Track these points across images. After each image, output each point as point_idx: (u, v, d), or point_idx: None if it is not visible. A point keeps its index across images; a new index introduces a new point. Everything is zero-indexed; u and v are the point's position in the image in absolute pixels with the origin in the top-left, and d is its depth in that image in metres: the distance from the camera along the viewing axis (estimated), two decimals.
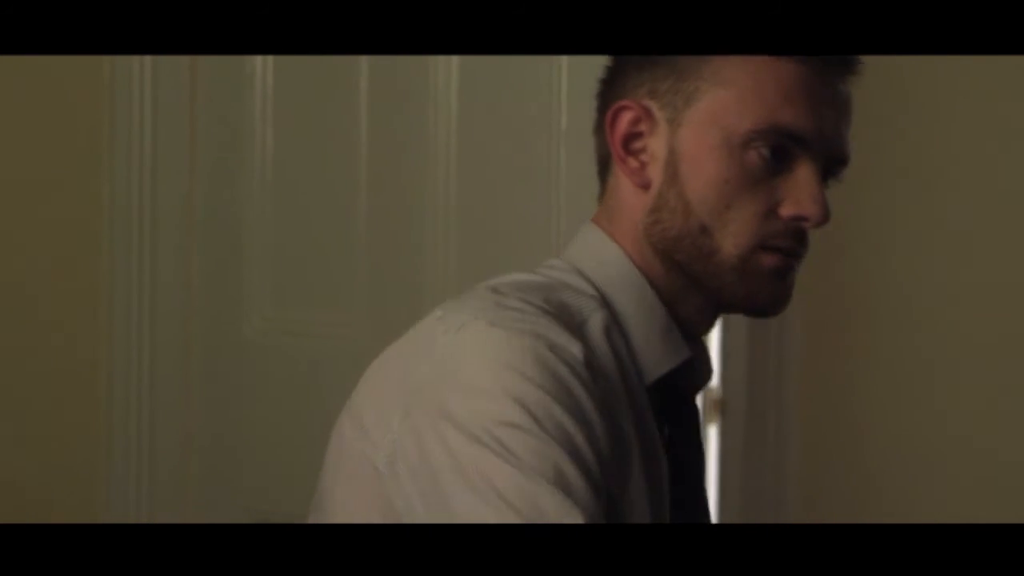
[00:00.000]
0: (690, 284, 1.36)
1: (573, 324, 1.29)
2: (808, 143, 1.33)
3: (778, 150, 1.32)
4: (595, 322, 1.32)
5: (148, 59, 2.61)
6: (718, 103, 1.33)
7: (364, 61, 2.52)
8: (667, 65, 1.35)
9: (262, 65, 2.62)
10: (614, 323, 1.34)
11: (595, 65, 1.43)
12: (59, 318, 2.58)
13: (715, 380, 3.14)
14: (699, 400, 1.47)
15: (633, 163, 1.37)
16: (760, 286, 1.35)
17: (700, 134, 1.33)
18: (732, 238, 1.33)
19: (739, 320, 3.11)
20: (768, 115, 1.31)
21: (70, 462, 2.60)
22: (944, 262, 2.91)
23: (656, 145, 1.36)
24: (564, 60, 2.28)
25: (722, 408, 3.12)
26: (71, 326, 2.60)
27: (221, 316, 2.67)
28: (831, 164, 1.36)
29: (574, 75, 2.27)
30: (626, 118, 1.37)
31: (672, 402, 1.39)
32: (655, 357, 1.35)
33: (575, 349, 1.24)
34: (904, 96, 2.95)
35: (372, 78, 2.52)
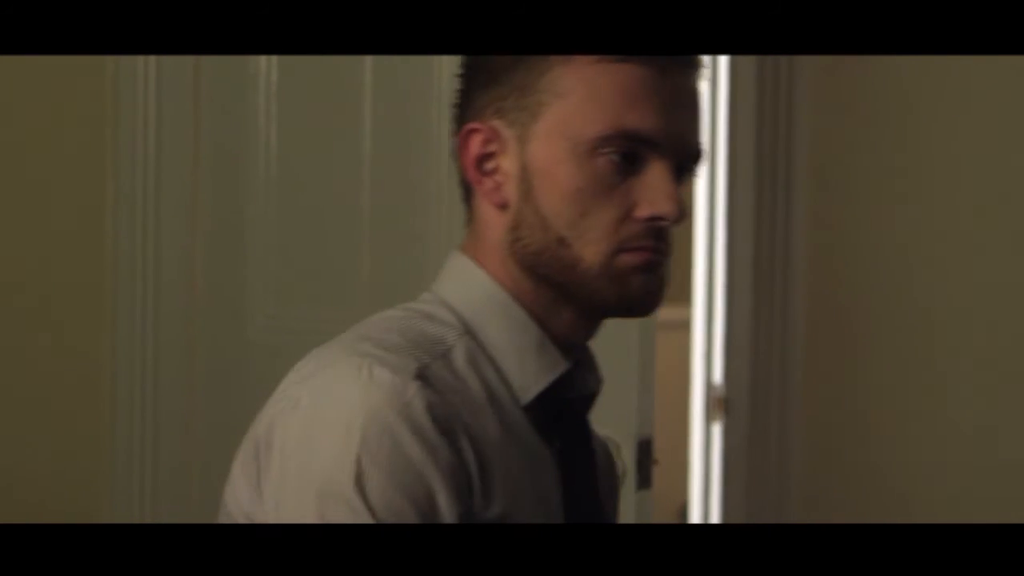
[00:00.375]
0: (560, 297, 1.36)
1: (435, 354, 1.30)
2: (657, 143, 1.33)
3: (627, 153, 1.32)
4: (458, 350, 1.33)
5: (152, 59, 2.62)
6: (561, 114, 1.33)
7: (368, 61, 2.53)
8: (508, 83, 1.35)
9: (266, 65, 2.63)
10: (479, 348, 1.35)
11: None
12: (62, 318, 2.59)
13: (718, 378, 3.15)
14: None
15: (488, 183, 1.37)
16: (629, 286, 1.34)
17: (548, 147, 1.34)
18: (592, 246, 1.33)
19: (742, 318, 3.11)
20: (612, 120, 1.32)
21: (73, 462, 2.60)
22: (946, 258, 2.91)
23: (508, 163, 1.36)
24: None
25: (725, 406, 3.12)
26: (74, 326, 2.60)
27: (225, 315, 2.68)
28: (684, 161, 1.36)
29: None
30: (476, 140, 1.37)
31: (560, 414, 1.39)
32: (530, 375, 1.36)
33: (412, 393, 1.25)
34: (906, 97, 2.95)
35: (376, 78, 2.53)
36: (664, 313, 2.55)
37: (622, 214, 1.33)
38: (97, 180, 2.61)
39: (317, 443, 1.24)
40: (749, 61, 3.09)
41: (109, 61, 2.60)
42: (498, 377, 1.34)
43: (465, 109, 1.39)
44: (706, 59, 1.38)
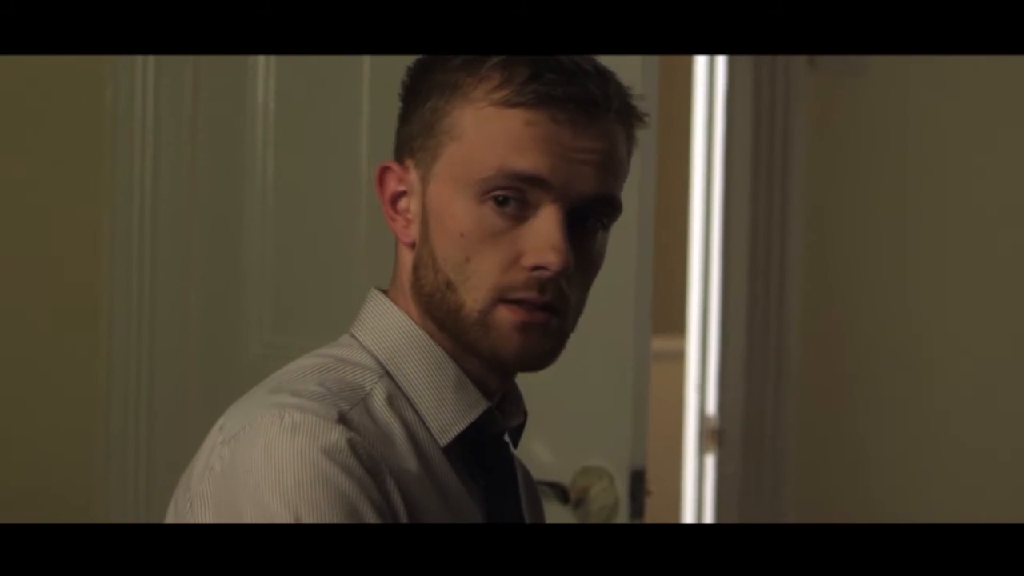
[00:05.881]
0: (456, 342, 1.36)
1: (353, 400, 1.30)
2: (547, 186, 1.31)
3: (517, 198, 1.31)
4: (377, 395, 1.33)
5: (150, 84, 2.63)
6: (453, 156, 1.34)
7: (366, 86, 2.53)
8: (417, 122, 1.37)
9: (263, 91, 2.64)
10: (398, 391, 1.35)
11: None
12: (57, 345, 2.59)
13: (712, 409, 3.15)
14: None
15: (400, 221, 1.39)
16: (502, 341, 1.33)
17: (441, 189, 1.35)
18: (473, 292, 1.32)
19: (736, 349, 3.12)
20: (496, 161, 1.31)
21: (67, 490, 2.59)
22: (943, 289, 2.92)
23: (414, 203, 1.38)
24: None
25: (719, 437, 3.12)
26: (69, 354, 2.60)
27: (220, 342, 2.68)
28: (591, 209, 1.34)
29: None
30: (390, 178, 1.39)
31: (483, 452, 1.39)
32: (448, 414, 1.35)
33: (336, 435, 1.25)
34: (906, 105, 2.95)
35: (373, 103, 2.53)
36: (658, 344, 2.57)
37: (508, 261, 1.32)
38: (93, 207, 2.61)
39: (252, 496, 1.25)
40: (745, 97, 3.10)
41: (108, 89, 2.61)
42: (417, 419, 1.34)
43: (394, 144, 1.42)
44: (641, 108, 1.38)
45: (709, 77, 3.14)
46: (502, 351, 1.33)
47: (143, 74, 2.62)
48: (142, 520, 2.63)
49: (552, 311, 1.33)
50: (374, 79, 2.52)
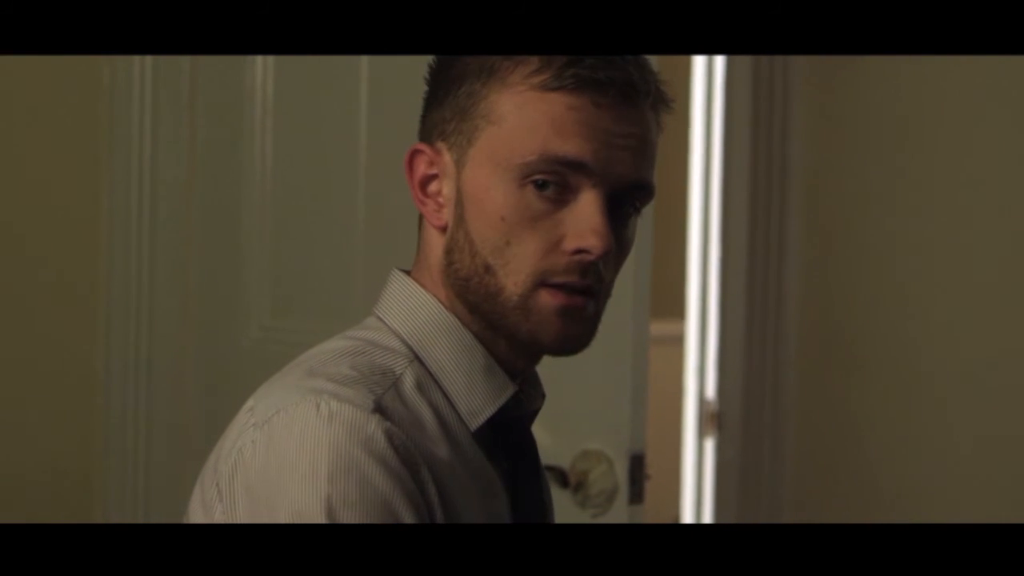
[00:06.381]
0: (490, 326, 1.36)
1: (385, 385, 1.30)
2: (589, 171, 1.32)
3: (558, 182, 1.32)
4: (407, 379, 1.33)
5: (148, 71, 2.62)
6: (493, 140, 1.33)
7: (364, 74, 2.53)
8: (451, 106, 1.36)
9: (262, 77, 2.63)
10: (428, 376, 1.35)
11: None
12: (56, 329, 2.59)
13: (711, 393, 3.15)
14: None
15: (431, 205, 1.38)
16: (543, 325, 1.33)
17: (479, 173, 1.34)
18: (513, 276, 1.32)
19: (735, 333, 3.12)
20: (538, 146, 1.31)
21: (66, 473, 2.60)
22: (939, 272, 2.92)
23: (447, 186, 1.37)
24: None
25: (718, 421, 3.12)
26: (68, 336, 2.60)
27: (219, 325, 2.68)
28: (628, 194, 1.35)
29: None
30: (421, 161, 1.38)
31: (508, 436, 1.40)
32: (479, 399, 1.36)
33: (373, 426, 1.25)
34: (900, 115, 2.96)
35: (372, 91, 2.53)
36: (658, 328, 2.57)
37: (549, 245, 1.32)
38: (91, 191, 2.61)
39: (286, 486, 1.24)
40: (745, 78, 3.10)
41: (105, 72, 2.60)
42: (446, 403, 1.35)
43: (421, 127, 1.40)
44: (669, 93, 1.38)
45: (708, 65, 3.14)
46: (542, 335, 1.33)
47: (141, 60, 2.62)
48: (140, 497, 2.64)
49: (590, 295, 1.34)
50: (373, 64, 2.52)
